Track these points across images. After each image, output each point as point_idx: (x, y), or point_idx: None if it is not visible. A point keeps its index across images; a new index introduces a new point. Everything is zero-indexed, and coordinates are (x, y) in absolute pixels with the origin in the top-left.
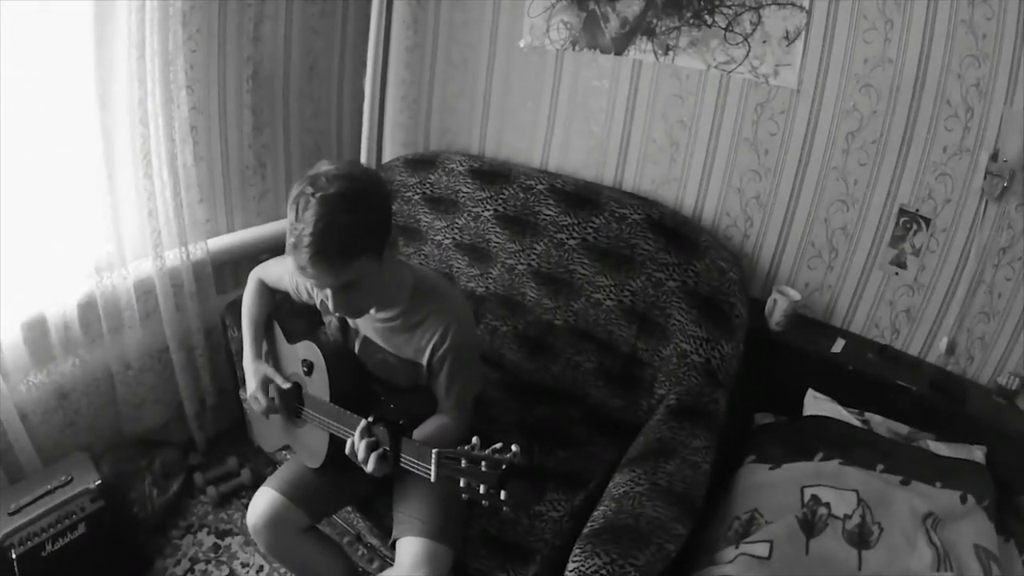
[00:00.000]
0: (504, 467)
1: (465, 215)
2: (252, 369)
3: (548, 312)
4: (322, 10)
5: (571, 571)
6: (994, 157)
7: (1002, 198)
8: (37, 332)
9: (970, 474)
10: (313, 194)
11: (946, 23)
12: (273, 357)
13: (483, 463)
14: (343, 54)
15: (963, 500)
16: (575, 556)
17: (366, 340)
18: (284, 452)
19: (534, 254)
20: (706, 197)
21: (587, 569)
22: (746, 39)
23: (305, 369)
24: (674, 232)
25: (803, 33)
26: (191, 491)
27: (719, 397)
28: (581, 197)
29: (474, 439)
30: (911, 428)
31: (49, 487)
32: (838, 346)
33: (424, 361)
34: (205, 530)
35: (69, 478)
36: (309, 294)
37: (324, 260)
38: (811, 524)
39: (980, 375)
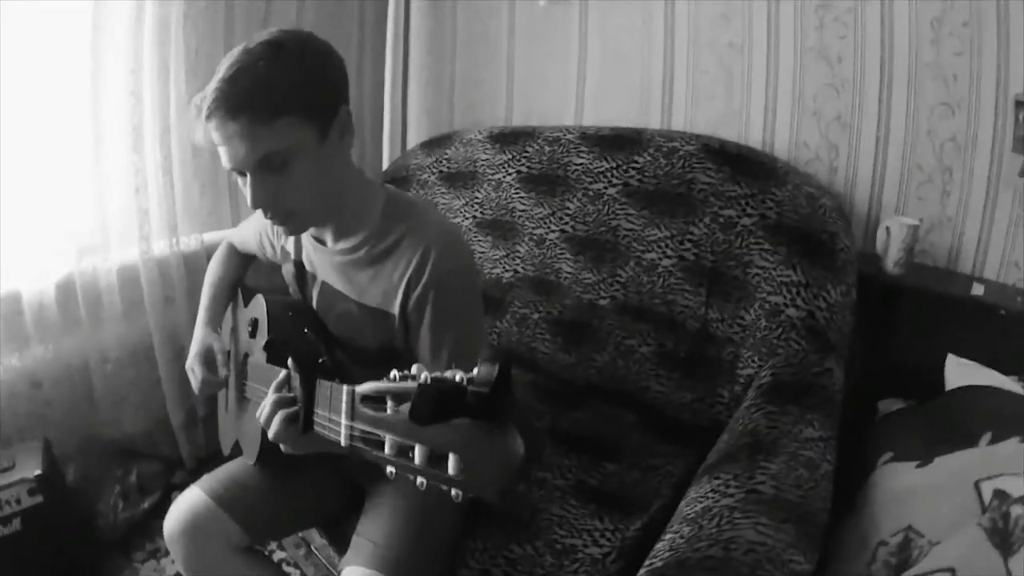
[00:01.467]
0: (474, 400)
1: (485, 186)
2: (198, 335)
3: (589, 289)
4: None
5: None
6: None
7: None
8: (11, 310)
9: None
10: (238, 48)
11: None
12: (235, 332)
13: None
14: (362, 34)
15: None
16: None
17: (325, 288)
18: None
19: (566, 215)
20: (775, 128)
21: None
22: None
23: (250, 330)
24: (740, 158)
25: None
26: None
27: (832, 366)
28: (619, 138)
29: (414, 367)
30: None
31: None
32: (979, 290)
33: (396, 307)
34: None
35: (11, 464)
36: (272, 245)
37: (229, 110)
38: (1005, 533)
39: None
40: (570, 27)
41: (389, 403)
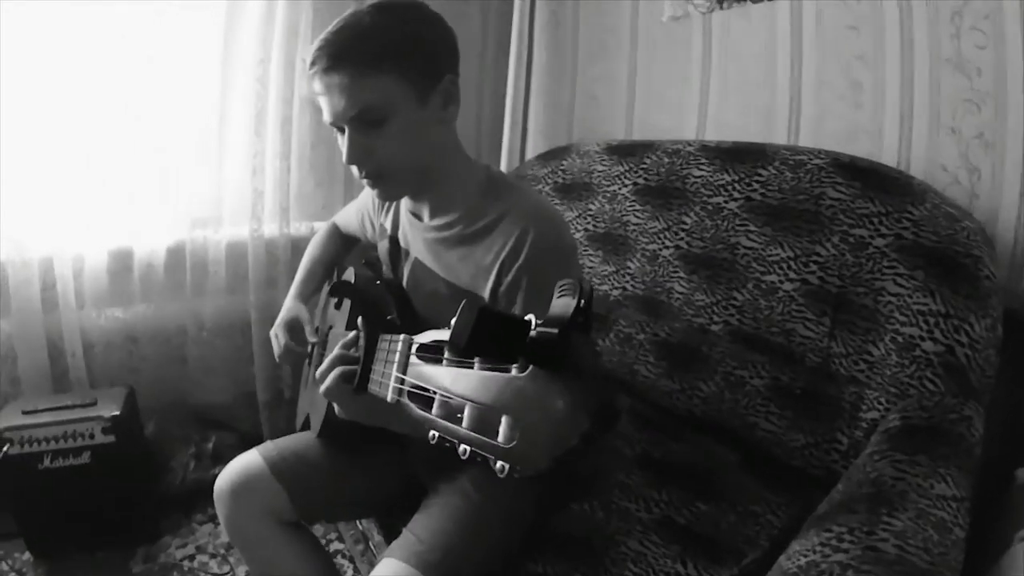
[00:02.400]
0: (532, 356)
1: (600, 198)
2: (288, 305)
3: (701, 312)
4: (459, 10)
5: None
6: None
7: None
8: (121, 265)
9: None
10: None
11: None
12: (326, 311)
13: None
14: (484, 50)
15: None
16: None
17: (416, 265)
18: None
19: (682, 230)
20: (911, 148)
21: None
22: None
23: (335, 301)
24: (873, 173)
25: None
26: None
27: (971, 413)
28: (742, 151)
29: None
30: None
31: (70, 403)
32: None
33: (487, 291)
34: None
35: (92, 401)
36: (372, 223)
37: (334, 61)
38: None
39: None
40: (692, 43)
41: (446, 354)
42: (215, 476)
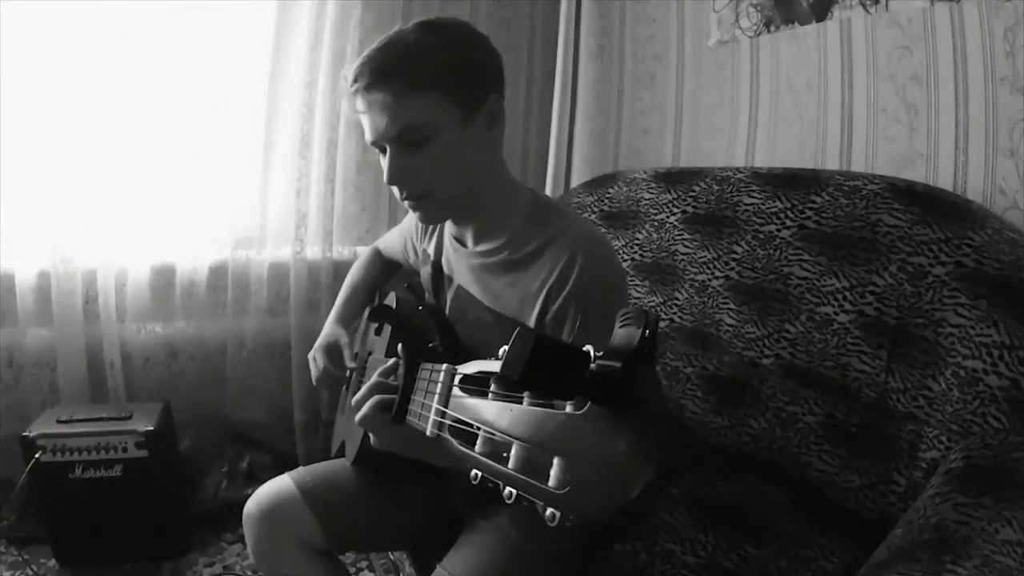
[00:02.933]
0: (587, 393)
1: (647, 226)
2: (327, 330)
3: (752, 345)
4: (508, 27)
5: None
6: None
7: None
8: (163, 281)
9: None
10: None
11: None
12: (365, 336)
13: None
14: (531, 76)
15: None
16: None
17: (460, 292)
18: None
19: (732, 260)
20: (968, 171)
21: None
22: None
23: (376, 327)
24: (930, 198)
25: None
26: None
27: None
28: (794, 177)
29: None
30: None
31: (106, 415)
32: None
33: (532, 318)
34: None
35: (128, 415)
36: (415, 249)
37: (376, 79)
38: None
39: None
40: (740, 67)
41: (493, 387)
42: (247, 496)
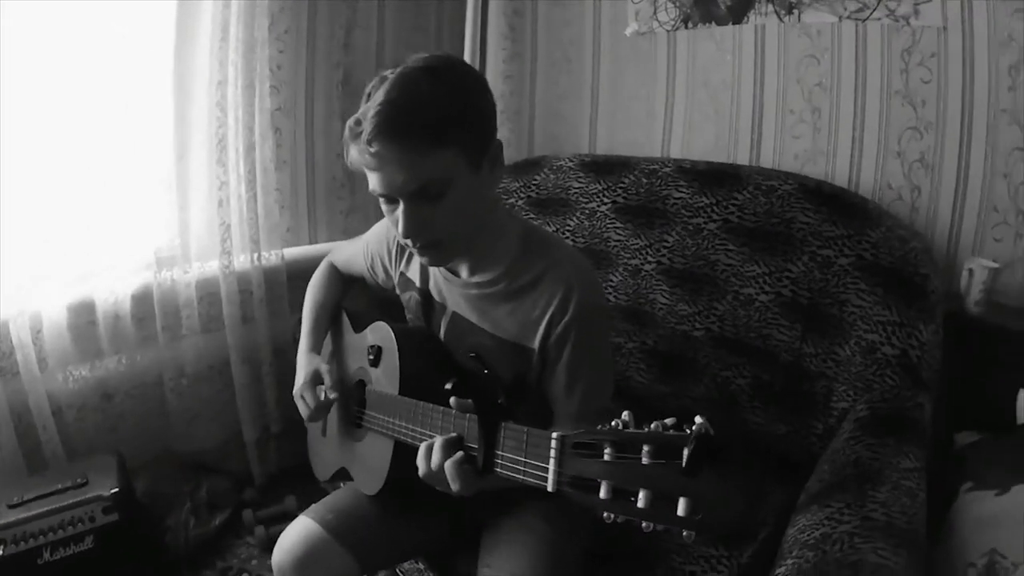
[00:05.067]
0: (690, 451)
1: (578, 214)
2: (303, 362)
3: (684, 321)
4: (414, 24)
5: None
6: None
7: None
8: (84, 319)
9: None
10: (392, 73)
11: None
12: (338, 356)
13: (645, 448)
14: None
15: None
16: None
17: (455, 319)
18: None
19: (664, 247)
20: (861, 168)
21: None
22: None
23: (371, 358)
24: (835, 199)
25: None
26: (237, 529)
27: (923, 401)
28: (718, 174)
29: (624, 414)
30: None
31: (60, 486)
32: None
33: (535, 343)
34: None
35: (84, 480)
36: (386, 269)
37: (393, 135)
38: None
39: None
40: (658, 59)
41: (608, 449)
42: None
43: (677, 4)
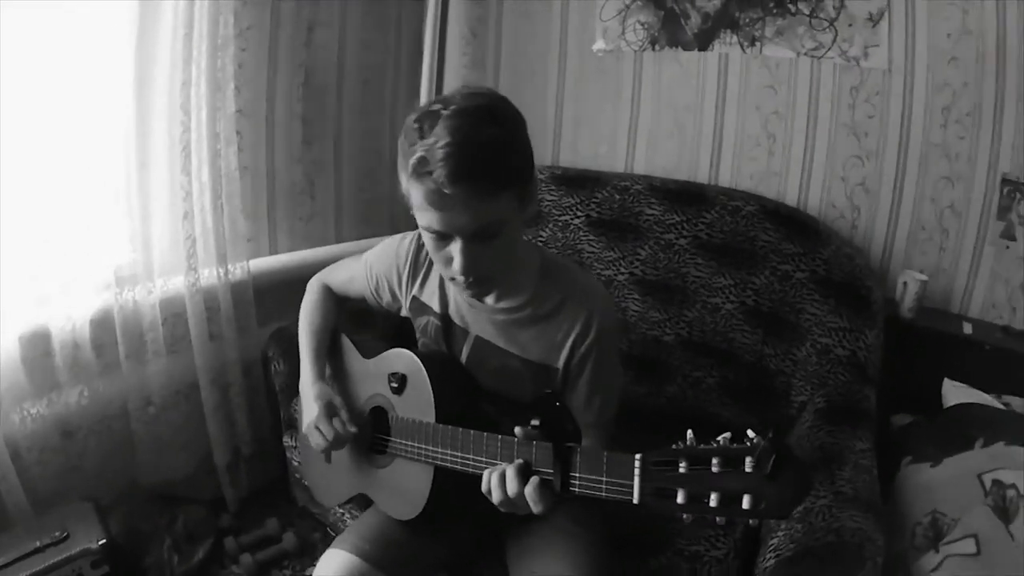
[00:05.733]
0: (753, 462)
1: (551, 225)
2: (313, 393)
3: (655, 327)
4: (376, 23)
5: None
6: None
7: None
8: (39, 350)
9: None
10: (443, 109)
11: None
12: (339, 381)
13: (715, 460)
14: (397, 70)
15: None
16: None
17: (479, 343)
18: (347, 506)
19: (637, 260)
20: (809, 189)
21: None
22: (832, 23)
23: (394, 385)
24: (792, 220)
25: (886, 13)
26: (220, 559)
27: (869, 393)
28: (687, 193)
29: (688, 433)
30: None
31: (39, 543)
32: (968, 329)
33: (560, 362)
34: None
35: (64, 534)
36: (393, 293)
37: (467, 179)
38: (1004, 510)
39: None
40: (623, 77)
41: (683, 463)
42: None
43: (645, 26)
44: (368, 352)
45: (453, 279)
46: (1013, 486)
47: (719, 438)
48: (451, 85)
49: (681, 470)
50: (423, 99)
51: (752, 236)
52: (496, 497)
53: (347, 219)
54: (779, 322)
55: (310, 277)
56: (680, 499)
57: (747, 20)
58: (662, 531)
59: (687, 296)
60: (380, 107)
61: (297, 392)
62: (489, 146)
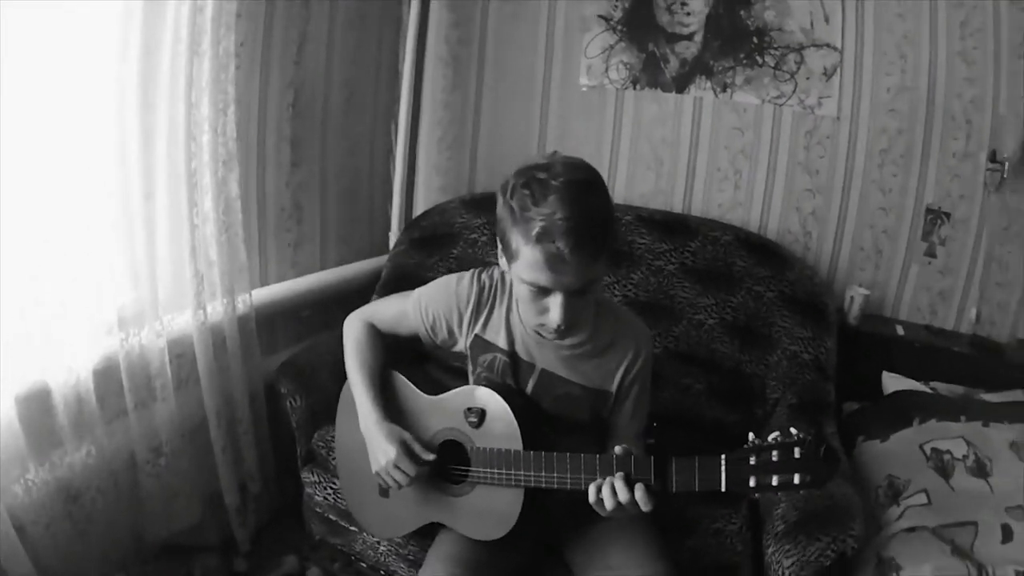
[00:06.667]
0: (800, 450)
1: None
2: (384, 433)
3: None
4: (359, 39)
5: (791, 564)
6: (992, 156)
7: (1000, 188)
8: (38, 409)
9: (1023, 410)
10: (551, 180)
11: (945, 54)
12: (401, 418)
13: (774, 453)
14: (377, 87)
15: None
16: (789, 551)
17: (545, 374)
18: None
19: (630, 284)
20: (769, 217)
21: (810, 555)
22: (793, 76)
23: (473, 420)
24: (762, 248)
25: (838, 69)
26: None
27: (831, 389)
28: (672, 223)
29: (750, 435)
30: (965, 387)
31: None
32: (900, 330)
33: (614, 387)
34: None
35: None
36: (451, 331)
37: (585, 250)
38: (944, 469)
39: (1003, 334)
40: (606, 111)
41: (753, 457)
42: None
43: (628, 67)
44: (429, 389)
45: (543, 324)
46: (948, 452)
47: (771, 437)
48: (430, 108)
49: (752, 462)
50: (401, 119)
51: (730, 262)
52: (609, 504)
53: (332, 243)
54: (754, 334)
55: (299, 306)
56: (752, 483)
57: (720, 68)
58: (689, 515)
59: (675, 314)
60: (362, 125)
61: (316, 427)
62: (599, 217)
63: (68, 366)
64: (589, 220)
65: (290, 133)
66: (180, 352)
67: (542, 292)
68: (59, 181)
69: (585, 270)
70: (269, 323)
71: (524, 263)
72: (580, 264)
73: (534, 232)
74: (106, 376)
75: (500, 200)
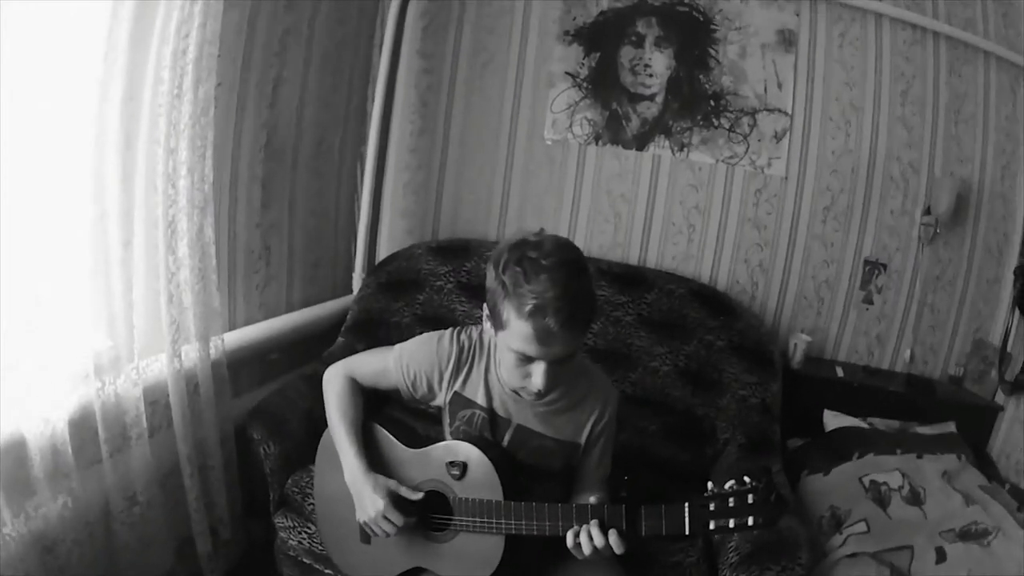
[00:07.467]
0: (754, 496)
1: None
2: (371, 484)
3: None
4: (332, 83)
5: None
6: (927, 211)
7: (933, 241)
8: (12, 462)
9: (953, 442)
10: (542, 259)
11: (887, 120)
12: (383, 469)
13: (731, 499)
14: (346, 129)
15: (959, 459)
16: None
17: (520, 429)
18: None
19: (590, 333)
20: (719, 268)
21: None
22: (745, 138)
23: (455, 472)
24: (713, 300)
25: (788, 132)
26: None
27: (776, 429)
28: (631, 276)
29: (709, 484)
30: (901, 422)
31: None
32: (840, 372)
33: (583, 439)
34: None
35: None
36: (431, 387)
37: (573, 327)
38: (881, 499)
39: (935, 372)
40: (568, 165)
41: (713, 504)
42: None
43: (591, 123)
44: (411, 442)
45: (524, 387)
46: (885, 483)
47: (727, 484)
48: (396, 152)
49: (712, 508)
50: (368, 162)
51: (684, 313)
52: (586, 549)
53: (297, 283)
54: (705, 379)
55: (269, 348)
56: (712, 526)
57: (679, 129)
58: (650, 548)
59: (632, 361)
60: (330, 166)
61: (289, 472)
62: (586, 295)
63: (44, 417)
64: (577, 299)
65: (262, 174)
66: (154, 399)
67: (527, 360)
68: (37, 229)
69: (572, 342)
70: (236, 366)
71: (514, 334)
72: (567, 338)
73: (527, 308)
74: (82, 426)
75: (491, 273)
